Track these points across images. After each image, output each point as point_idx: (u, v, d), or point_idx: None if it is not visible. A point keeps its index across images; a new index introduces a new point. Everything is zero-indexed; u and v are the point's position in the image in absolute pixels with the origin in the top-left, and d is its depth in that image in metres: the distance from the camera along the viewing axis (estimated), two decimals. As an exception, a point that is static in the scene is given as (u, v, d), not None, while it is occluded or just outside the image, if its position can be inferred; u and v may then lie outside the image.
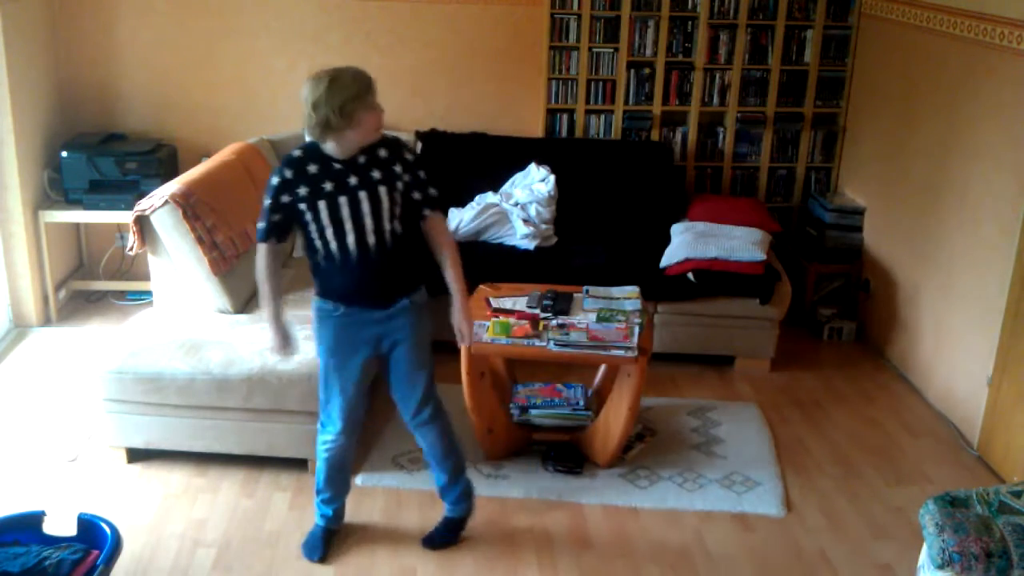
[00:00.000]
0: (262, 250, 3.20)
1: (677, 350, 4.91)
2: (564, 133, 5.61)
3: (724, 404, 4.59)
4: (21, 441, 4.09)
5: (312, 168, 3.04)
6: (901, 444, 4.32)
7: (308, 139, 3.09)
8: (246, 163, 4.74)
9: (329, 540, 3.51)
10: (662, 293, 4.78)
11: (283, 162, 3.09)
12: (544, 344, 3.80)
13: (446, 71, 5.52)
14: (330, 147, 3.03)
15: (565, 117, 5.58)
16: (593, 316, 3.97)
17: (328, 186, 3.03)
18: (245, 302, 4.35)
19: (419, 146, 5.40)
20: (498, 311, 4.01)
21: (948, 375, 4.52)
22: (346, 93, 2.91)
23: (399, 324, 3.23)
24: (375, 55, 5.43)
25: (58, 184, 5.16)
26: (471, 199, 5.20)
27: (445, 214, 3.28)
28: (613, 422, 3.92)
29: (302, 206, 3.05)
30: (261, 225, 3.14)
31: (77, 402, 4.36)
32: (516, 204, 5.12)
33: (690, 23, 5.46)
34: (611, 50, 5.48)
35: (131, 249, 4.28)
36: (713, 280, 4.75)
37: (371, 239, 3.09)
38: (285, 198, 3.06)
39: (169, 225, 4.11)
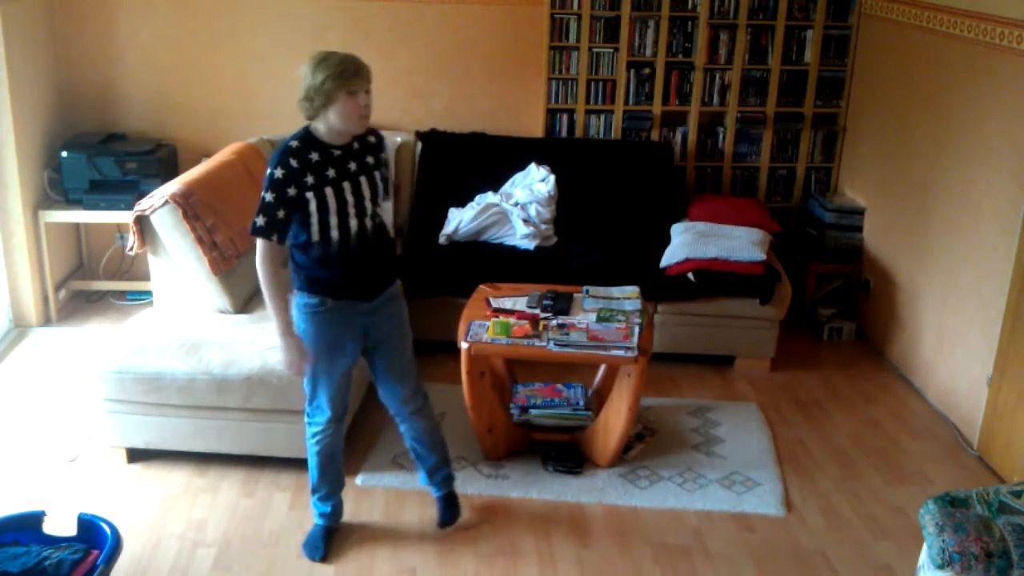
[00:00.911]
0: (264, 251, 3.10)
1: (677, 350, 4.91)
2: (564, 133, 5.61)
3: (724, 404, 4.59)
4: (21, 441, 4.09)
5: (314, 156, 3.04)
6: (901, 444, 4.32)
7: (301, 127, 3.10)
8: (246, 163, 4.74)
9: (329, 538, 3.51)
10: (662, 293, 4.78)
11: (282, 153, 3.01)
12: (544, 344, 3.80)
13: (446, 71, 5.52)
14: (322, 131, 3.05)
15: (565, 117, 5.58)
16: (593, 316, 3.97)
17: (331, 172, 3.05)
18: (245, 302, 4.35)
19: (419, 146, 5.41)
20: (498, 311, 4.01)
21: (948, 375, 4.52)
22: (328, 72, 2.93)
23: (387, 314, 3.29)
24: (375, 55, 5.36)
25: (58, 184, 5.16)
26: (471, 199, 5.20)
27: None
28: (613, 422, 3.92)
29: (308, 195, 3.02)
30: (261, 222, 3.03)
31: (77, 402, 4.36)
32: (516, 204, 5.12)
33: (690, 23, 5.46)
34: (611, 50, 5.48)
35: (131, 249, 4.28)
36: (713, 280, 4.75)
37: (368, 224, 3.16)
38: (291, 191, 3.01)
39: (169, 225, 4.11)
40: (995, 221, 4.12)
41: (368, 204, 3.14)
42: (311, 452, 3.43)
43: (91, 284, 5.57)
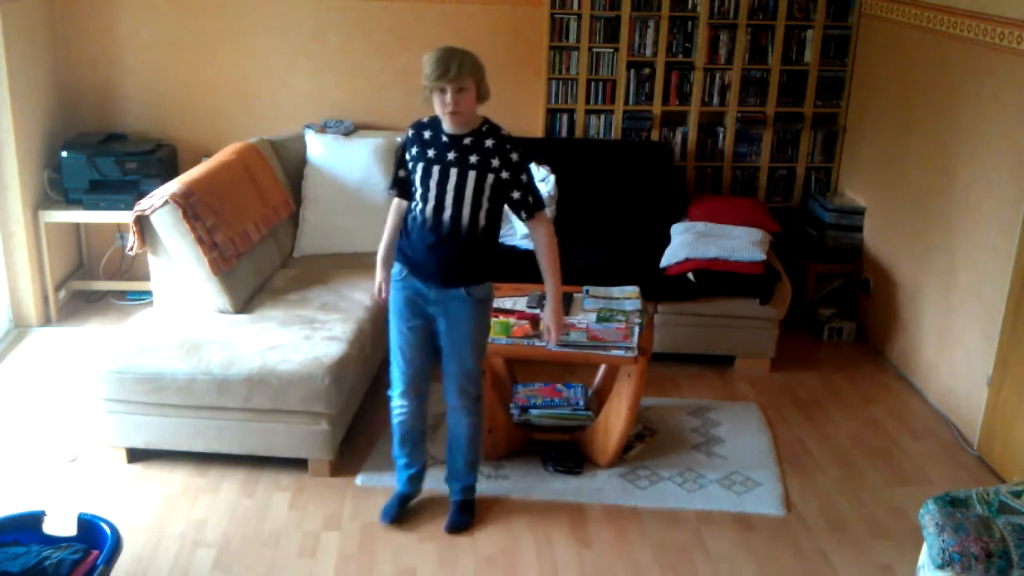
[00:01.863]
0: (393, 202, 3.49)
1: (677, 350, 4.91)
2: (564, 133, 5.61)
3: (724, 404, 4.59)
4: (21, 441, 4.09)
5: (426, 134, 3.32)
6: (901, 444, 4.32)
7: None
8: (246, 163, 4.74)
9: (404, 505, 3.69)
10: (662, 293, 4.78)
11: (412, 124, 3.38)
12: (544, 344, 3.80)
13: (446, 71, 5.50)
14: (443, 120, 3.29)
15: (565, 117, 5.58)
16: (593, 316, 3.98)
17: (431, 152, 3.30)
18: (245, 302, 4.35)
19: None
20: (498, 311, 4.01)
21: (948, 375, 4.52)
22: (425, 70, 3.18)
23: (450, 311, 3.39)
24: (375, 55, 5.43)
25: (58, 184, 5.16)
26: (471, 199, 5.20)
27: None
28: (613, 422, 3.92)
29: (410, 163, 3.34)
30: (391, 178, 3.47)
31: (77, 402, 4.36)
32: (516, 204, 5.11)
33: (690, 23, 5.46)
34: (611, 50, 5.48)
35: (131, 249, 4.28)
36: (713, 280, 4.75)
37: (446, 214, 3.28)
38: (406, 155, 3.37)
39: (169, 225, 4.10)
40: (995, 221, 4.12)
41: (450, 196, 3.26)
42: (393, 423, 3.63)
43: (91, 284, 5.57)
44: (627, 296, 4.20)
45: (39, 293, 5.17)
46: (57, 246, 5.32)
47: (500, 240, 5.01)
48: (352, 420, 4.16)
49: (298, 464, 3.93)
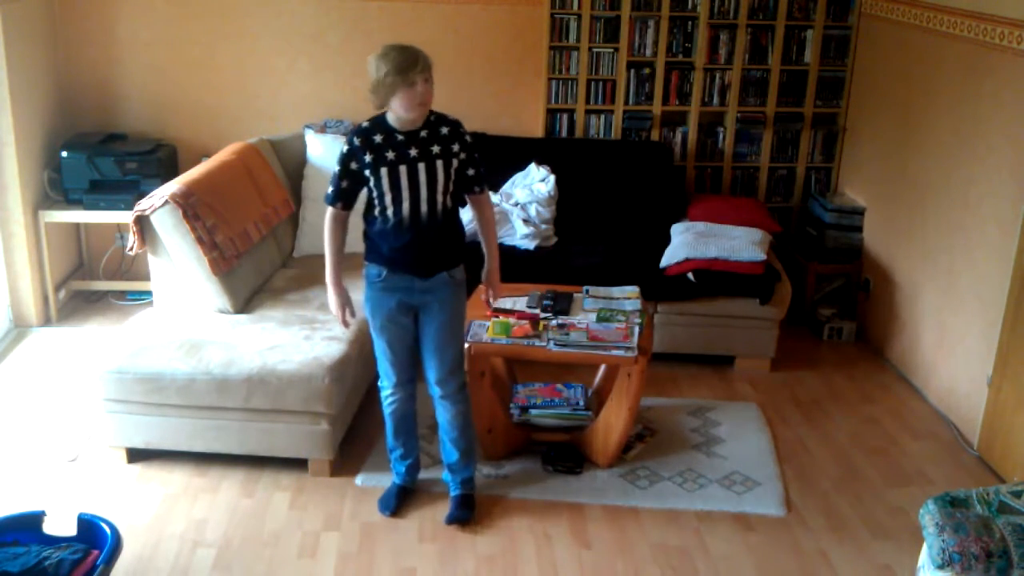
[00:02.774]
0: (327, 215, 3.46)
1: (677, 350, 4.91)
2: (564, 133, 5.61)
3: (724, 404, 4.59)
4: (21, 441, 4.09)
5: (377, 138, 3.31)
6: (901, 444, 4.32)
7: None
8: (246, 163, 4.74)
9: (403, 497, 3.74)
10: (662, 293, 4.78)
11: (352, 131, 3.38)
12: (544, 344, 3.80)
13: (446, 71, 5.47)
14: (391, 118, 3.31)
15: (565, 117, 5.58)
16: (593, 316, 3.98)
17: (390, 155, 3.30)
18: (245, 302, 4.35)
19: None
20: (498, 311, 4.01)
21: (948, 375, 4.52)
22: (388, 66, 3.19)
23: (435, 297, 3.45)
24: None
25: (58, 184, 5.16)
26: (471, 199, 5.20)
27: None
28: (613, 422, 3.92)
29: (367, 172, 3.32)
30: (329, 190, 3.43)
31: (77, 402, 4.35)
32: (516, 204, 5.12)
33: (690, 23, 5.46)
34: (611, 50, 5.48)
35: (131, 249, 4.28)
36: (713, 280, 4.75)
37: (423, 208, 3.34)
38: (353, 165, 3.35)
39: (169, 225, 4.11)
40: (995, 221, 4.12)
41: (423, 188, 3.31)
42: (385, 415, 3.68)
43: (91, 284, 5.57)
44: (627, 296, 4.20)
45: (39, 293, 5.17)
46: (57, 246, 5.32)
47: (500, 240, 5.05)
48: (352, 420, 4.16)
49: (298, 464, 3.93)
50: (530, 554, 3.51)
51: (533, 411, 4.09)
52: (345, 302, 3.55)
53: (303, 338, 3.97)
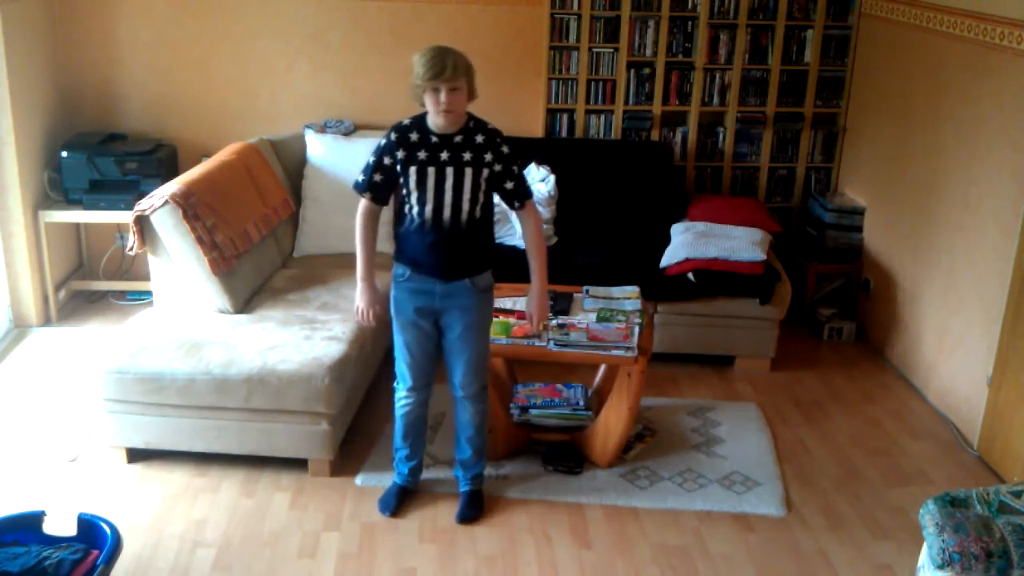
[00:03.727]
0: (360, 206, 3.44)
1: (677, 350, 4.91)
2: (564, 133, 5.61)
3: (724, 404, 4.59)
4: (21, 441, 4.09)
5: (413, 136, 3.32)
6: (901, 444, 4.32)
7: None
8: (246, 163, 4.74)
9: (403, 497, 3.74)
10: (662, 293, 4.78)
11: (392, 127, 3.36)
12: (544, 344, 3.80)
13: (446, 71, 5.51)
14: (429, 120, 3.31)
15: (565, 117, 5.58)
16: (593, 316, 3.97)
17: (422, 155, 3.30)
18: (245, 302, 4.35)
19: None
20: (498, 311, 4.01)
21: (948, 375, 4.52)
22: (417, 71, 3.20)
23: (457, 302, 3.44)
24: (375, 55, 5.43)
25: (58, 184, 5.16)
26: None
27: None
28: (613, 422, 3.92)
29: (398, 168, 3.33)
30: (361, 179, 3.40)
31: (77, 402, 4.35)
32: (516, 204, 5.11)
33: (690, 23, 5.46)
34: (611, 50, 5.48)
35: (131, 249, 4.28)
36: (713, 280, 4.75)
37: (446, 212, 3.33)
38: (387, 160, 3.35)
39: (169, 225, 4.10)
40: (995, 221, 4.12)
41: (448, 193, 3.30)
42: (397, 416, 3.68)
43: (91, 284, 5.56)
44: (627, 296, 4.20)
45: (39, 293, 5.17)
46: (57, 246, 5.32)
47: (500, 240, 5.06)
48: (352, 420, 4.16)
49: (298, 464, 3.93)
50: (530, 554, 3.51)
51: (533, 411, 4.09)
52: (374, 301, 3.51)
53: (303, 338, 3.97)
